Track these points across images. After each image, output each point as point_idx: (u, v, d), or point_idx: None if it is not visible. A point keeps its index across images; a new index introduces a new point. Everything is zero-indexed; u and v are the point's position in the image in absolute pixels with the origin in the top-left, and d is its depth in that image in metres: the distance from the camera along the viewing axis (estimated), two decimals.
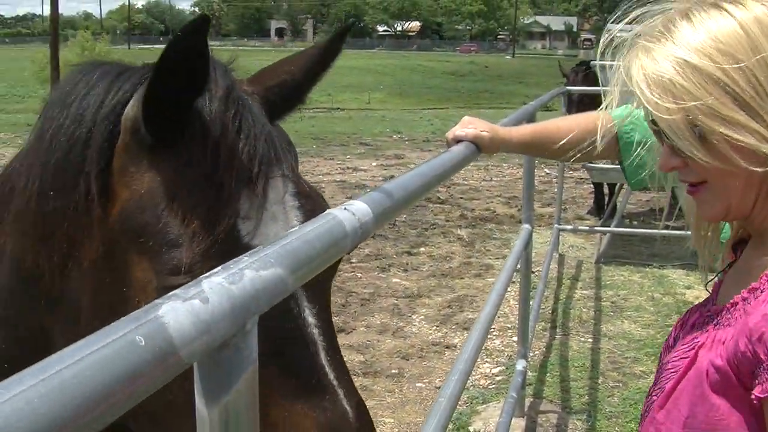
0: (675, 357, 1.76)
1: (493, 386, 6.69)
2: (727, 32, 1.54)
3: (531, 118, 4.82)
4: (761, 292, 1.54)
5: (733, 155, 1.52)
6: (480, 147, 2.73)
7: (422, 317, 8.43)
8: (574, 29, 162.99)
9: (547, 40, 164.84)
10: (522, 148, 3.02)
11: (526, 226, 5.48)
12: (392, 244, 11.38)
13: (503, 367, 7.05)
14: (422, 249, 11.36)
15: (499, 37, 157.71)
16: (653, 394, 1.82)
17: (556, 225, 10.30)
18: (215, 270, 0.98)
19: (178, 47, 1.51)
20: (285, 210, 1.66)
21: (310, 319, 1.61)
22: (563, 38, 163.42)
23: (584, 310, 8.55)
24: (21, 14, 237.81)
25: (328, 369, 1.59)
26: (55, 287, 1.73)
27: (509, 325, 7.94)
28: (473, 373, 6.93)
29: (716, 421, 1.57)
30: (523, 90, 60.93)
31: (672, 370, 1.74)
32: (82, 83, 1.74)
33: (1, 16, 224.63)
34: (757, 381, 1.47)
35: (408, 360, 7.23)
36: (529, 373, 6.75)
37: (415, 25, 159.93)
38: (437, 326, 8.16)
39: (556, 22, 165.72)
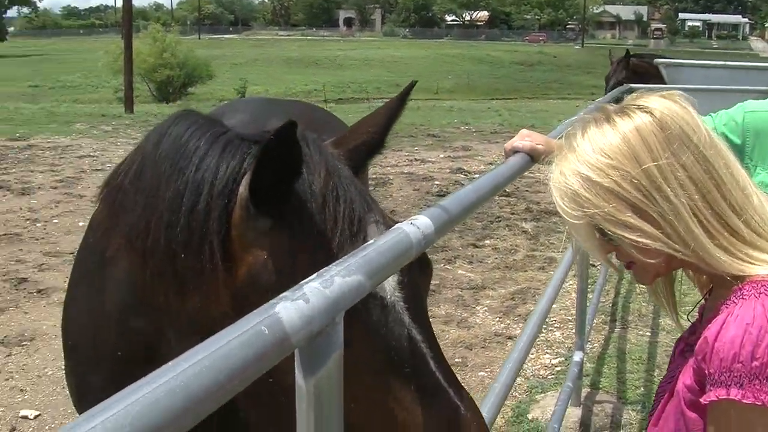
0: (664, 382, 2.14)
1: (552, 376, 6.95)
2: (613, 147, 1.88)
3: None
4: (713, 320, 1.84)
5: (632, 252, 1.88)
6: (535, 159, 3.02)
7: (486, 308, 8.72)
8: (644, 18, 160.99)
9: (616, 30, 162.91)
10: None
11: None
12: (458, 237, 11.64)
13: (562, 359, 7.30)
14: (487, 242, 11.61)
15: (568, 26, 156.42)
16: (654, 409, 2.17)
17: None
18: (312, 277, 1.29)
19: (272, 153, 1.85)
20: None
21: (418, 336, 1.94)
22: (633, 28, 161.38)
23: (644, 304, 8.72)
24: (94, 5, 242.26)
25: (438, 374, 1.92)
26: (173, 310, 2.13)
27: (570, 318, 8.15)
28: (534, 363, 7.20)
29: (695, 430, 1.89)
30: (591, 81, 60.51)
31: (661, 394, 2.11)
32: (190, 147, 2.11)
33: (75, 7, 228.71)
34: (704, 392, 1.80)
35: (471, 350, 7.52)
36: (587, 365, 6.99)
37: (484, 14, 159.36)
38: (500, 317, 8.44)
39: (626, 12, 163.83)
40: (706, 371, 1.77)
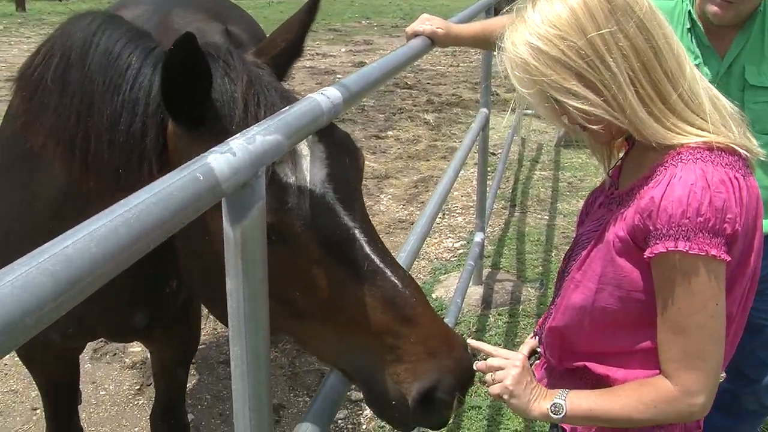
0: (588, 230, 2.28)
1: (455, 259, 7.26)
2: (561, 18, 1.97)
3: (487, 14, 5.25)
4: (650, 179, 2.02)
5: (578, 118, 2.00)
6: (435, 41, 3.18)
7: (390, 197, 8.99)
8: None
9: None
10: (473, 42, 3.48)
11: (484, 110, 5.90)
12: (361, 128, 11.79)
13: (464, 242, 7.61)
14: (390, 133, 11.81)
15: None
16: (571, 258, 2.34)
17: (518, 109, 10.68)
18: (236, 135, 1.45)
19: (175, 66, 1.93)
20: (306, 139, 2.09)
21: (351, 223, 2.07)
22: None
23: (542, 189, 9.08)
24: None
25: (374, 256, 2.06)
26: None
27: (471, 204, 8.43)
28: (437, 247, 7.49)
29: (621, 277, 2.09)
30: None
31: (586, 241, 2.26)
32: (122, 65, 2.20)
33: None
34: (647, 245, 1.98)
35: None
36: (489, 247, 7.30)
37: None
38: (403, 205, 8.70)
39: None
40: (651, 227, 1.95)
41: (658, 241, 1.93)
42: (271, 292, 1.96)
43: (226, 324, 1.59)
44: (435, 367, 2.00)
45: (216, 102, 2.07)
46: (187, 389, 5.27)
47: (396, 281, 2.04)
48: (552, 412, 2.10)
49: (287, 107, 1.74)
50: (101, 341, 5.81)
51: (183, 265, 2.28)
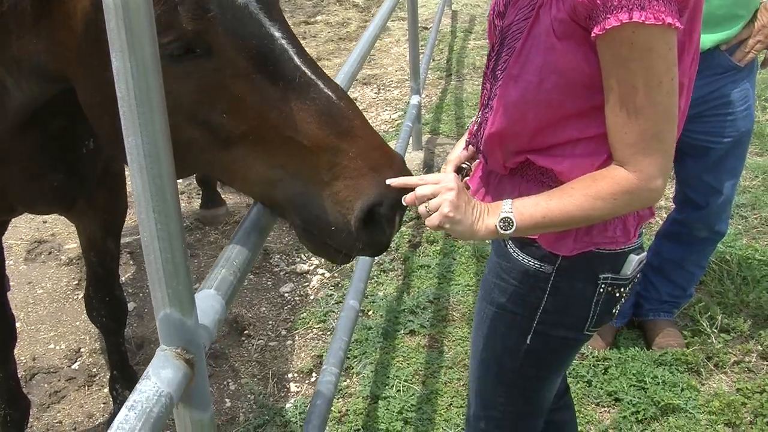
0: (518, 20, 2.06)
1: (393, 129, 7.11)
2: None
3: None
4: None
5: None
6: None
7: None
8: None
9: None
10: None
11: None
12: (289, 16, 11.47)
13: (401, 113, 7.44)
14: (319, 18, 11.53)
15: None
16: (500, 54, 2.13)
17: None
18: None
19: None
20: None
21: (277, 33, 1.88)
22: None
23: (477, 58, 8.90)
24: None
25: (304, 68, 1.87)
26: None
27: (406, 77, 8.26)
28: (374, 120, 7.33)
29: (566, 61, 1.90)
30: None
31: (518, 32, 2.05)
32: None
33: None
34: (593, 22, 1.79)
35: None
36: (427, 115, 7.16)
37: None
38: None
39: None
40: (599, 1, 1.77)
41: (608, 15, 1.75)
42: (193, 120, 1.86)
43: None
44: (378, 182, 1.85)
45: None
46: (127, 278, 5.12)
47: (330, 93, 1.87)
48: (501, 228, 1.94)
49: None
50: (35, 241, 5.62)
51: (87, 105, 2.08)
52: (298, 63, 1.87)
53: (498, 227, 1.94)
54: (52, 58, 2.04)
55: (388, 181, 1.87)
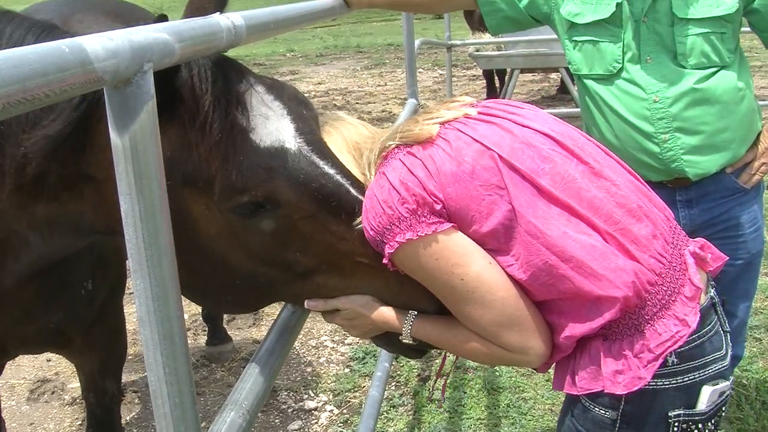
0: None
1: None
2: None
3: None
4: None
5: None
6: (349, 3, 3.03)
7: None
8: None
9: None
10: (389, 4, 3.34)
11: (412, 101, 5.64)
12: None
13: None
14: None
15: None
16: None
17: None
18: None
19: None
20: (264, 101, 2.04)
21: (331, 170, 2.02)
22: None
23: None
24: None
25: (356, 193, 2.03)
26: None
27: None
28: None
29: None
30: None
31: None
32: None
33: None
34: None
35: None
36: None
37: None
38: None
39: None
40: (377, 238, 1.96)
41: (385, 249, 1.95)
42: (270, 262, 2.02)
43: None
44: None
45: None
46: (132, 418, 5.02)
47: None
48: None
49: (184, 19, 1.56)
50: (38, 381, 5.55)
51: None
52: (356, 194, 2.02)
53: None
54: (104, 216, 2.08)
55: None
